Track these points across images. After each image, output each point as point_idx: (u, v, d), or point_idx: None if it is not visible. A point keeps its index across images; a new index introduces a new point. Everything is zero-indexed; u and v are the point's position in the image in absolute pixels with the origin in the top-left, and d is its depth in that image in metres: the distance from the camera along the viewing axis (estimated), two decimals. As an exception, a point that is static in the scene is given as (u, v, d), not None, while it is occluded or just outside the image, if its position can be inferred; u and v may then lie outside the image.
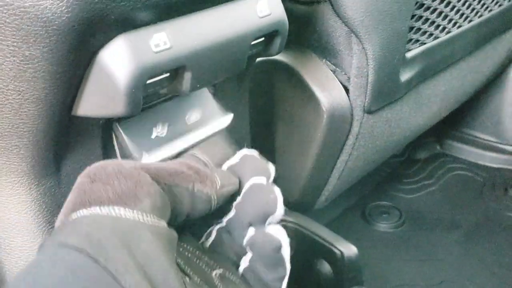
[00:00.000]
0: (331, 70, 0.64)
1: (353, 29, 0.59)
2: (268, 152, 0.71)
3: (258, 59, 0.66)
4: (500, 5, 0.90)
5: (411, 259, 1.00)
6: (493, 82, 1.24)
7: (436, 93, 0.85)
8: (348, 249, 0.65)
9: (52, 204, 0.46)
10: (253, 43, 0.45)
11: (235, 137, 0.62)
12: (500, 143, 1.28)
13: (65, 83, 0.36)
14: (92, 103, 0.38)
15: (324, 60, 0.64)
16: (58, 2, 0.31)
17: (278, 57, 0.64)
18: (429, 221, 1.11)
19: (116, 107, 0.37)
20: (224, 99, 0.58)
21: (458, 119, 1.32)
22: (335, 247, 0.65)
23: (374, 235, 1.07)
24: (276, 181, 0.70)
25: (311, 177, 0.70)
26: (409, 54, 0.70)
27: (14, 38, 0.33)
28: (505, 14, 0.93)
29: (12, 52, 0.34)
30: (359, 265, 0.59)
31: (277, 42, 0.47)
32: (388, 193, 1.20)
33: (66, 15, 0.31)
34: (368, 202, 1.16)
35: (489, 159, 1.28)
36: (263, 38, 0.46)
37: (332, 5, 0.58)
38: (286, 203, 0.76)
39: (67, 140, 0.44)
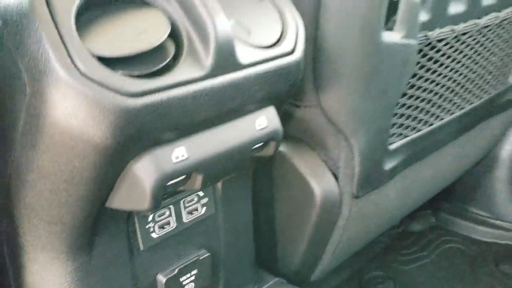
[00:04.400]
0: (323, 161, 0.74)
1: (340, 129, 0.70)
2: (268, 230, 0.80)
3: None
4: (480, 98, 1.01)
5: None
6: (484, 159, 1.33)
7: (421, 177, 0.95)
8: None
9: (84, 277, 0.55)
10: (253, 147, 0.55)
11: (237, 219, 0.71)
12: (492, 218, 1.36)
13: (103, 185, 0.47)
14: (123, 200, 0.49)
15: (316, 152, 0.74)
16: (105, 131, 0.41)
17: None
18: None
19: (142, 204, 0.47)
20: (230, 187, 0.68)
21: (452, 193, 1.40)
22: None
23: (369, 305, 1.13)
24: (275, 255, 0.79)
25: (306, 252, 0.79)
26: (392, 146, 0.80)
27: (68, 155, 0.43)
28: (486, 105, 1.04)
29: (65, 164, 0.44)
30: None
31: (273, 146, 0.57)
32: (385, 264, 1.27)
33: (110, 140, 0.42)
34: (365, 273, 1.22)
35: (482, 234, 1.35)
36: (262, 143, 0.57)
37: (321, 109, 0.69)
38: (285, 275, 0.84)
39: (100, 225, 0.53)
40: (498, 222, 1.34)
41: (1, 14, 0.42)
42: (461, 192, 1.39)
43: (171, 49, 0.45)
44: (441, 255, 1.29)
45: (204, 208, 0.65)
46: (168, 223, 0.61)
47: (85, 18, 0.43)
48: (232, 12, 0.51)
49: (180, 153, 0.47)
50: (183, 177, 0.50)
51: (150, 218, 0.59)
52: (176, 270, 0.62)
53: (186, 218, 0.63)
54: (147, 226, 0.59)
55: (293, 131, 0.73)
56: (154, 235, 0.60)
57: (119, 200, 0.49)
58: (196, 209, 0.64)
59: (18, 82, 0.42)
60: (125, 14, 0.45)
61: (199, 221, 0.65)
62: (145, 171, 0.46)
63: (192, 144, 0.48)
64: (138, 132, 0.43)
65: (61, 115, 0.41)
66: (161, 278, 0.61)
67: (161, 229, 0.61)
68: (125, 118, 0.41)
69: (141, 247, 0.59)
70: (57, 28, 0.40)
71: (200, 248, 0.66)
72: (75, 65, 0.40)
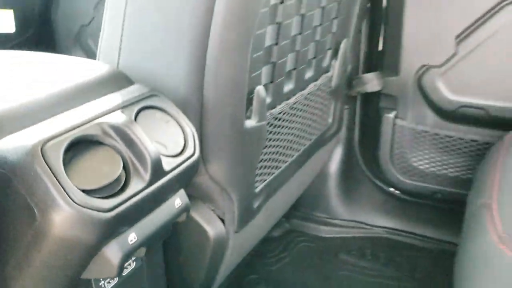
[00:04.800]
0: (212, 211, 1.03)
1: (223, 188, 0.99)
2: (176, 264, 1.07)
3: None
4: (311, 139, 1.39)
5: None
6: (319, 175, 1.75)
7: (279, 202, 1.29)
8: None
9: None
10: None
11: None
12: (330, 218, 1.79)
13: (84, 266, 0.70)
14: (95, 272, 0.72)
15: (207, 205, 1.03)
16: (92, 236, 0.65)
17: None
18: (287, 286, 1.54)
19: (110, 274, 0.71)
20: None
21: (300, 203, 1.80)
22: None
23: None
24: (183, 282, 1.07)
25: (205, 277, 1.07)
26: (257, 190, 1.12)
27: (65, 253, 0.66)
28: (316, 142, 1.43)
29: (62, 259, 0.67)
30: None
31: (184, 215, 0.85)
32: (256, 267, 1.60)
33: (95, 241, 0.66)
34: (242, 278, 1.54)
35: (324, 231, 1.76)
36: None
37: (209, 176, 0.97)
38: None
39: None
40: (334, 221, 1.78)
41: (10, 167, 0.63)
42: (306, 201, 1.80)
43: (123, 174, 0.70)
44: (297, 253, 1.68)
45: (135, 263, 0.89)
46: (113, 279, 0.85)
47: (65, 160, 0.66)
48: (152, 134, 0.77)
49: (133, 237, 0.72)
50: (134, 250, 0.75)
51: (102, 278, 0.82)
52: (122, 311, 0.86)
53: (124, 273, 0.87)
54: (100, 284, 0.82)
55: (189, 191, 1.01)
56: (105, 290, 0.83)
57: (92, 273, 0.72)
58: (130, 264, 0.88)
59: (27, 211, 0.64)
60: (91, 154, 0.68)
61: (132, 273, 0.89)
62: (112, 253, 0.70)
63: (139, 229, 0.74)
64: (111, 232, 0.68)
65: (64, 230, 0.63)
66: (112, 320, 0.85)
67: (109, 283, 0.84)
68: (104, 226, 0.66)
69: (97, 300, 0.82)
70: (54, 175, 0.63)
71: (134, 291, 0.91)
72: (71, 199, 0.63)
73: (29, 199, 0.63)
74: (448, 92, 1.53)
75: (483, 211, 0.95)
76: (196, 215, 1.01)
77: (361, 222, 1.77)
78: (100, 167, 0.68)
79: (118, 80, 0.84)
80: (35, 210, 0.63)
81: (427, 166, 1.66)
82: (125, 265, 0.86)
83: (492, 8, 1.41)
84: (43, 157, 0.63)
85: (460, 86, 1.51)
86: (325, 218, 1.79)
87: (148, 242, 0.76)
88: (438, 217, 1.66)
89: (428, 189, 1.67)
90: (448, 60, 1.48)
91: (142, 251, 0.76)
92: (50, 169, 0.63)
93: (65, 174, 0.64)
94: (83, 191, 0.65)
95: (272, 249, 1.70)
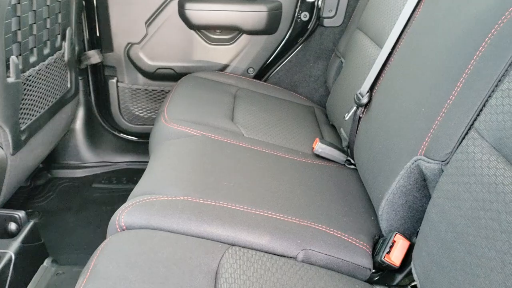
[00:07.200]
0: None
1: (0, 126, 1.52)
2: None
3: None
4: (55, 98, 1.97)
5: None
6: (69, 132, 2.32)
7: (40, 143, 1.84)
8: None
9: None
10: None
11: None
12: (82, 163, 2.38)
13: None
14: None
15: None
16: None
17: None
18: (54, 213, 2.09)
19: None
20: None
21: (56, 155, 2.34)
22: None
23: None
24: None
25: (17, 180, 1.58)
26: (22, 127, 1.66)
27: None
28: (58, 102, 2.00)
29: None
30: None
31: (-22, 134, 1.37)
32: (30, 205, 2.10)
33: None
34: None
35: (79, 173, 2.35)
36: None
37: None
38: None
39: None
40: (85, 164, 2.38)
41: None
42: (61, 154, 2.35)
43: None
44: (59, 191, 2.23)
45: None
46: None
47: None
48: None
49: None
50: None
51: None
52: None
53: None
54: None
55: None
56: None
57: None
58: None
59: None
60: None
61: None
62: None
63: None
64: None
65: None
66: None
67: None
68: None
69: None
70: None
71: None
72: None
73: None
74: (147, 60, 2.29)
75: (160, 117, 1.73)
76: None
77: (106, 161, 2.42)
78: None
79: None
80: None
81: (145, 112, 2.41)
82: None
83: (164, 3, 2.21)
84: None
85: (155, 55, 2.29)
86: (78, 164, 2.38)
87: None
88: (157, 146, 2.44)
89: (148, 129, 2.42)
90: (143, 38, 2.24)
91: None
92: None
93: None
94: None
95: (39, 193, 2.21)
